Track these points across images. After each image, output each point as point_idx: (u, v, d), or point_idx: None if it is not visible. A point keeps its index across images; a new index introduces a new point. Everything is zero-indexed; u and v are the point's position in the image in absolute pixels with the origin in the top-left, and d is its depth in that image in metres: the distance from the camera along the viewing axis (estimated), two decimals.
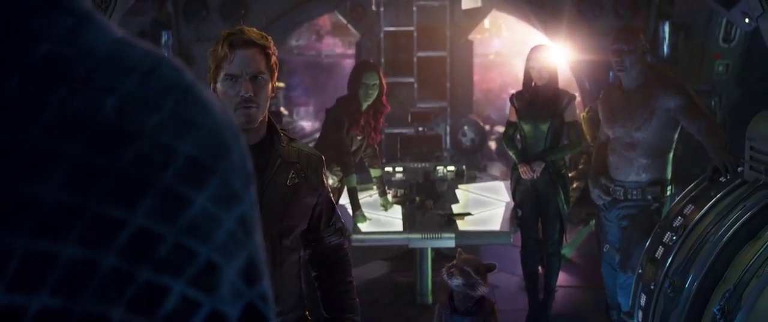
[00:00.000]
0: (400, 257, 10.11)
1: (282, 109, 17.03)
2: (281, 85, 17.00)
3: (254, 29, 3.78)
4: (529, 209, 8.37)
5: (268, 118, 3.87)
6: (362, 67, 8.34)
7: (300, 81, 19.28)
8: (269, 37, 3.80)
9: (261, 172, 3.75)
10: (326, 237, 4.10)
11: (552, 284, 8.59)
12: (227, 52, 3.66)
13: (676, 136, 7.02)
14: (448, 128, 14.17)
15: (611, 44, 7.00)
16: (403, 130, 12.85)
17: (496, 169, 15.16)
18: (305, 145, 4.13)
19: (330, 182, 8.07)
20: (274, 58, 3.77)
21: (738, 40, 10.73)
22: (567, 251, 10.42)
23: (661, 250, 5.95)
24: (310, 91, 18.66)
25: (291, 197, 3.84)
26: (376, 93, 8.14)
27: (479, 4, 10.41)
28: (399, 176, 9.99)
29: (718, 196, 5.79)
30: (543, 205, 8.33)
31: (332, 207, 4.11)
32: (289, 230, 3.87)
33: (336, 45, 18.78)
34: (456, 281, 5.47)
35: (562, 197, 8.26)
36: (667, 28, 10.72)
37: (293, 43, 18.62)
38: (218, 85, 3.71)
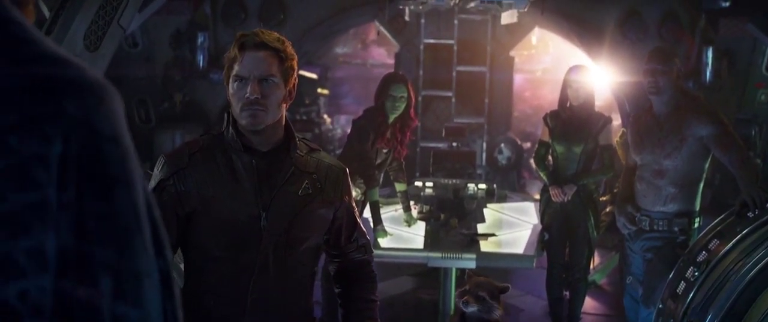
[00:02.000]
0: (426, 273, 9.89)
1: (325, 116, 16.94)
2: (325, 92, 16.91)
3: (273, 32, 3.67)
4: (557, 233, 8.21)
5: (287, 125, 3.74)
6: (390, 79, 8.13)
7: (350, 89, 19.25)
8: (286, 41, 3.68)
9: (272, 178, 3.64)
10: (349, 253, 3.96)
11: (577, 310, 8.44)
12: (237, 54, 3.58)
13: (706, 165, 6.74)
14: (484, 145, 14.01)
15: (645, 64, 6.72)
16: (439, 145, 12.69)
17: (536, 187, 14.97)
18: (329, 156, 3.94)
19: (353, 194, 7.89)
20: (289, 62, 3.64)
21: None
22: (597, 277, 10.23)
23: (682, 285, 5.72)
24: (361, 100, 18.58)
25: (301, 208, 3.66)
26: (403, 106, 7.94)
27: (515, 20, 10.21)
28: (429, 191, 9.77)
29: (745, 232, 5.54)
30: (572, 229, 8.16)
31: (354, 223, 3.95)
32: (297, 242, 3.69)
33: (383, 54, 18.69)
34: (471, 309, 5.26)
35: (592, 221, 8.11)
36: (710, 54, 10.50)
37: (338, 51, 18.55)
38: (228, 87, 3.63)
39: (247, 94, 3.53)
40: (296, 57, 3.72)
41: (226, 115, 3.70)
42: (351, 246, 3.95)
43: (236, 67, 3.57)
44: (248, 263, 3.58)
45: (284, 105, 3.66)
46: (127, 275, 1.36)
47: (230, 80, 3.61)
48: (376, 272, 4.10)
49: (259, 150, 3.65)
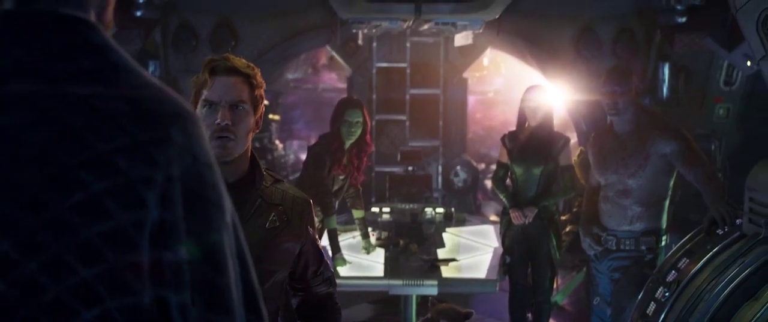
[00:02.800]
0: (386, 300, 9.73)
1: (277, 142, 16.80)
2: (276, 118, 16.76)
3: (241, 59, 3.56)
4: (519, 256, 8.09)
5: (253, 155, 3.61)
6: (345, 104, 8.00)
7: (302, 114, 19.13)
8: (256, 68, 3.57)
9: (239, 211, 3.39)
10: (314, 287, 3.83)
11: None
12: (207, 78, 3.45)
13: (671, 183, 6.65)
14: (439, 168, 13.88)
15: (602, 86, 6.62)
16: (394, 169, 12.56)
17: (491, 208, 14.92)
18: (293, 187, 3.81)
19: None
20: (258, 91, 3.53)
21: (739, 84, 10.47)
22: (559, 297, 10.12)
23: (652, 306, 5.58)
24: (312, 125, 18.47)
25: (269, 241, 3.52)
26: (359, 131, 7.82)
27: (470, 41, 10.13)
28: (386, 216, 9.63)
29: (715, 250, 5.41)
30: (533, 251, 8.05)
31: (320, 256, 3.83)
32: (265, 277, 3.51)
33: (334, 79, 18.58)
34: None
35: (554, 243, 8.00)
36: (666, 70, 10.43)
37: (289, 76, 18.40)
38: (198, 111, 3.46)
39: (218, 120, 3.40)
40: (264, 85, 3.61)
41: None
42: (317, 279, 3.82)
43: (206, 92, 3.45)
44: None
45: (251, 135, 3.53)
46: (219, 289, 1.54)
47: (198, 106, 3.47)
48: (340, 304, 4.00)
49: (225, 181, 3.47)
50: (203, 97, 3.45)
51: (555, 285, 8.71)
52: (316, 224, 7.70)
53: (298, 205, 3.66)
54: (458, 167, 14.31)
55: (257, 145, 15.27)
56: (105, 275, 1.41)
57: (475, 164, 14.94)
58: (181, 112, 1.54)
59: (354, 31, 10.35)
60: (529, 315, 8.40)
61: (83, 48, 1.49)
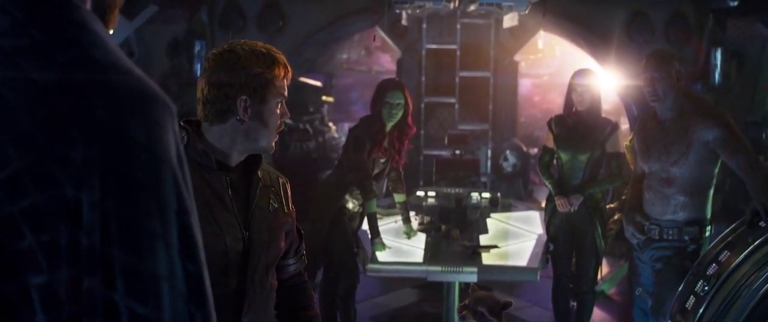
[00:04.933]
0: (429, 285, 9.59)
1: (330, 124, 16.77)
2: (329, 99, 16.73)
3: None
4: (563, 244, 7.93)
5: None
6: (386, 86, 7.87)
7: (359, 96, 19.07)
8: None
9: (246, 196, 3.39)
10: (290, 264, 3.76)
11: None
12: (288, 75, 3.38)
13: (716, 171, 6.43)
14: (489, 152, 13.72)
15: (642, 72, 6.44)
16: (442, 153, 12.44)
17: (543, 194, 14.69)
18: (268, 166, 3.67)
19: (349, 206, 7.67)
20: None
21: None
22: (606, 286, 9.98)
23: (692, 300, 5.42)
24: (369, 107, 18.41)
25: (273, 224, 3.45)
26: (400, 113, 7.68)
27: (516, 23, 9.98)
28: (431, 200, 9.50)
29: (757, 243, 5.23)
30: (578, 240, 7.89)
31: (300, 233, 3.76)
32: (274, 261, 3.50)
33: (389, 61, 18.49)
34: None
35: (600, 231, 7.84)
36: (719, 56, 10.22)
37: (343, 57, 18.34)
38: (269, 105, 3.32)
39: (284, 115, 3.38)
40: None
41: (188, 128, 3.33)
42: (296, 256, 3.75)
43: (284, 85, 3.35)
44: (239, 290, 3.31)
45: None
46: (144, 277, 1.43)
47: (272, 97, 3.32)
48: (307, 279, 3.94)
49: (229, 165, 3.37)
50: (283, 91, 3.34)
51: (600, 274, 8.56)
52: (357, 208, 7.68)
53: (282, 183, 3.60)
54: (507, 152, 14.17)
55: (308, 127, 15.25)
56: (24, 252, 1.41)
57: (525, 148, 14.78)
58: (122, 91, 1.47)
59: (398, 11, 10.21)
60: (573, 304, 8.26)
61: (45, 22, 1.47)
